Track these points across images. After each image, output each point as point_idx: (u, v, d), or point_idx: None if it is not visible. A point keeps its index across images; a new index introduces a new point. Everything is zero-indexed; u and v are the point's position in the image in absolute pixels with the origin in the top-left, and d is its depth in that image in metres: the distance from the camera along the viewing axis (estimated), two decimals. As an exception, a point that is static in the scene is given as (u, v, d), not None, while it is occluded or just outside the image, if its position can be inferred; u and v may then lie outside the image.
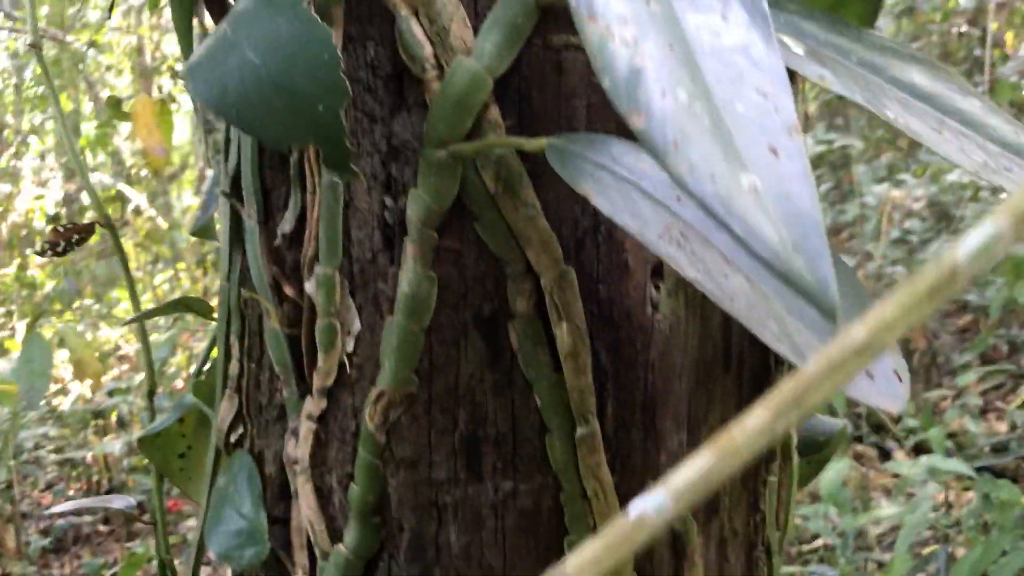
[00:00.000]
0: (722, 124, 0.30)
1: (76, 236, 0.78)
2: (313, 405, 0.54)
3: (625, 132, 0.50)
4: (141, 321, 0.81)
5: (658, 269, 0.52)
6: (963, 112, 0.47)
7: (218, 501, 0.61)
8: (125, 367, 4.90)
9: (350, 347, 0.52)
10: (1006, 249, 0.28)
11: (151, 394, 0.82)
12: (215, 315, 0.74)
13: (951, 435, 2.56)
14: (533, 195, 0.48)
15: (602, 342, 0.51)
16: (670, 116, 0.29)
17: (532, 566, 0.52)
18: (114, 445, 3.28)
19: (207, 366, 0.79)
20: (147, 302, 5.27)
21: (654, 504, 0.26)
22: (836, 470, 1.98)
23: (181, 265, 5.36)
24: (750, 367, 0.60)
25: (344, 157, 0.47)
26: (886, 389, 0.40)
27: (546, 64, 0.49)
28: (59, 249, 0.78)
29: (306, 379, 0.55)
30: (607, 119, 0.50)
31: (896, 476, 2.43)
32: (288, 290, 0.56)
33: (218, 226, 0.65)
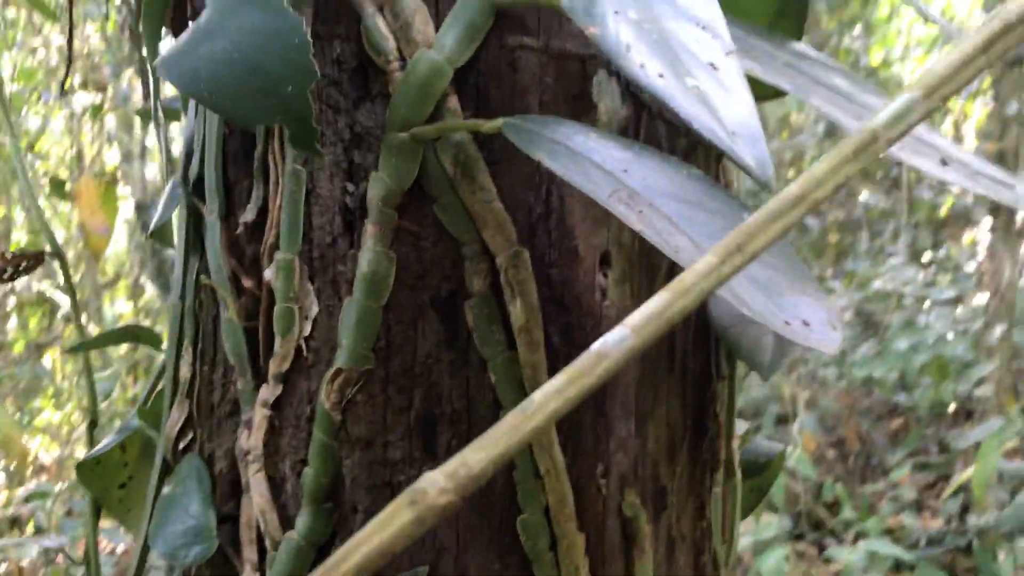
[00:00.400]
0: (667, 43, 0.33)
1: (24, 263, 0.78)
2: (268, 391, 0.54)
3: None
4: (86, 351, 0.81)
5: (606, 257, 0.55)
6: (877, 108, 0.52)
7: (165, 506, 0.60)
8: (44, 478, 4.68)
9: (307, 331, 0.53)
10: (920, 116, 0.32)
11: (92, 426, 0.80)
12: (163, 346, 0.74)
13: (888, 531, 2.59)
14: (489, 180, 0.51)
15: (554, 325, 0.53)
16: (622, 27, 0.32)
17: (485, 545, 0.52)
18: (31, 552, 3.09)
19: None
20: (71, 412, 5.09)
21: (616, 337, 0.28)
22: (778, 558, 1.98)
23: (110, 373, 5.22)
24: (693, 373, 0.62)
25: (311, 136, 0.50)
26: (822, 335, 0.43)
27: (502, 62, 0.53)
28: (5, 276, 0.78)
29: (261, 369, 0.56)
30: (557, 114, 0.53)
31: (837, 574, 2.43)
32: (246, 282, 0.57)
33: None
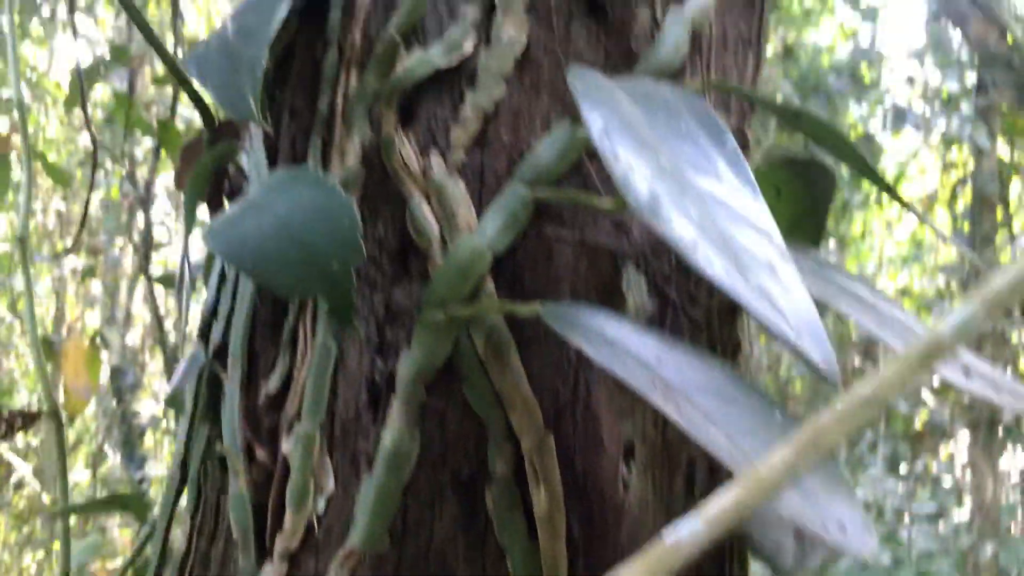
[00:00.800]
0: (728, 243, 0.35)
1: (20, 421, 0.77)
2: (272, 570, 0.52)
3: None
4: (66, 516, 0.77)
5: (630, 449, 0.54)
6: (902, 321, 0.54)
7: None
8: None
9: (321, 508, 0.52)
10: (980, 326, 0.33)
11: (63, 599, 0.76)
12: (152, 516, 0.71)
13: None
14: (519, 363, 0.52)
15: (575, 514, 0.52)
16: (686, 226, 0.34)
17: None
18: None
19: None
20: (6, 586, 4.80)
21: (688, 529, 0.27)
22: None
23: (56, 545, 4.96)
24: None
25: (349, 312, 0.50)
26: (858, 539, 0.42)
27: (538, 251, 0.54)
28: (1, 433, 0.76)
29: (266, 546, 0.54)
30: (587, 303, 0.55)
31: None
32: (260, 454, 0.56)
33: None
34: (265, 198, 0.53)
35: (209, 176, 0.66)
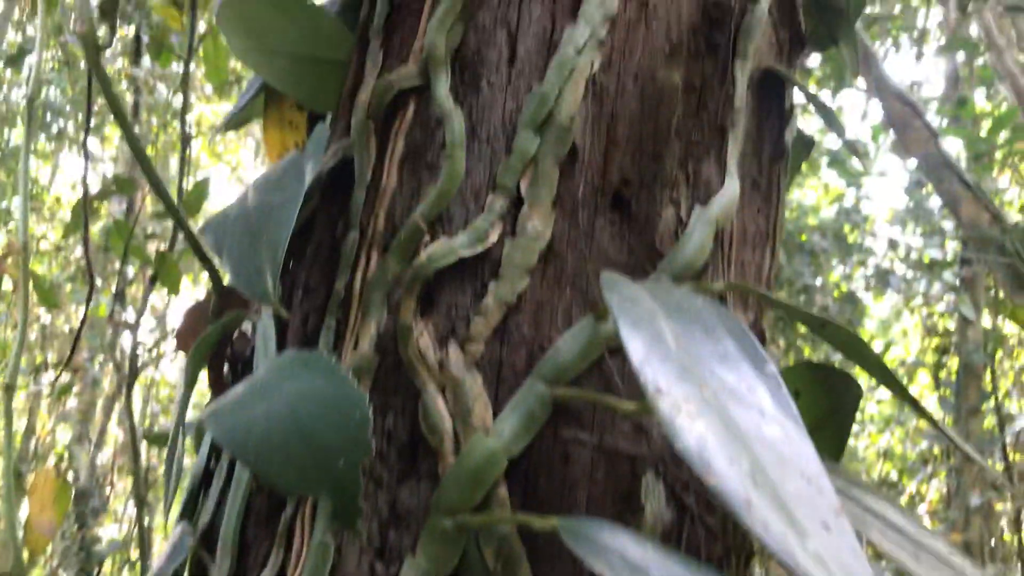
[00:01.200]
0: (779, 497, 0.32)
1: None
2: None
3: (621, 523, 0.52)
4: None
5: (644, 676, 0.50)
6: (934, 549, 0.51)
7: None
8: None
9: None
10: None
11: None
12: None
13: None
14: (531, 578, 0.48)
15: None
16: (737, 481, 0.32)
17: None
18: None
19: None
20: None
21: None
22: None
23: None
24: None
25: (354, 514, 0.47)
26: None
27: (555, 454, 0.52)
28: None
29: None
30: (604, 512, 0.52)
31: None
32: (243, 659, 0.51)
33: None
34: (272, 383, 0.51)
35: (214, 345, 0.64)
